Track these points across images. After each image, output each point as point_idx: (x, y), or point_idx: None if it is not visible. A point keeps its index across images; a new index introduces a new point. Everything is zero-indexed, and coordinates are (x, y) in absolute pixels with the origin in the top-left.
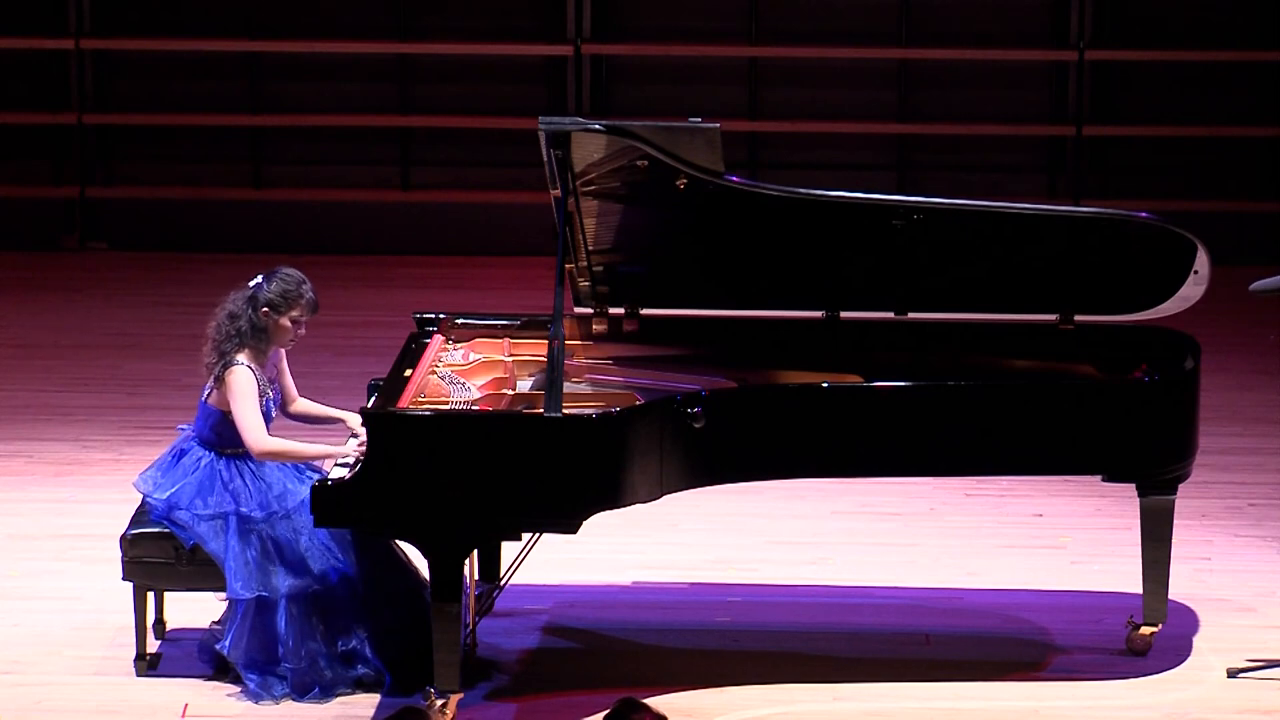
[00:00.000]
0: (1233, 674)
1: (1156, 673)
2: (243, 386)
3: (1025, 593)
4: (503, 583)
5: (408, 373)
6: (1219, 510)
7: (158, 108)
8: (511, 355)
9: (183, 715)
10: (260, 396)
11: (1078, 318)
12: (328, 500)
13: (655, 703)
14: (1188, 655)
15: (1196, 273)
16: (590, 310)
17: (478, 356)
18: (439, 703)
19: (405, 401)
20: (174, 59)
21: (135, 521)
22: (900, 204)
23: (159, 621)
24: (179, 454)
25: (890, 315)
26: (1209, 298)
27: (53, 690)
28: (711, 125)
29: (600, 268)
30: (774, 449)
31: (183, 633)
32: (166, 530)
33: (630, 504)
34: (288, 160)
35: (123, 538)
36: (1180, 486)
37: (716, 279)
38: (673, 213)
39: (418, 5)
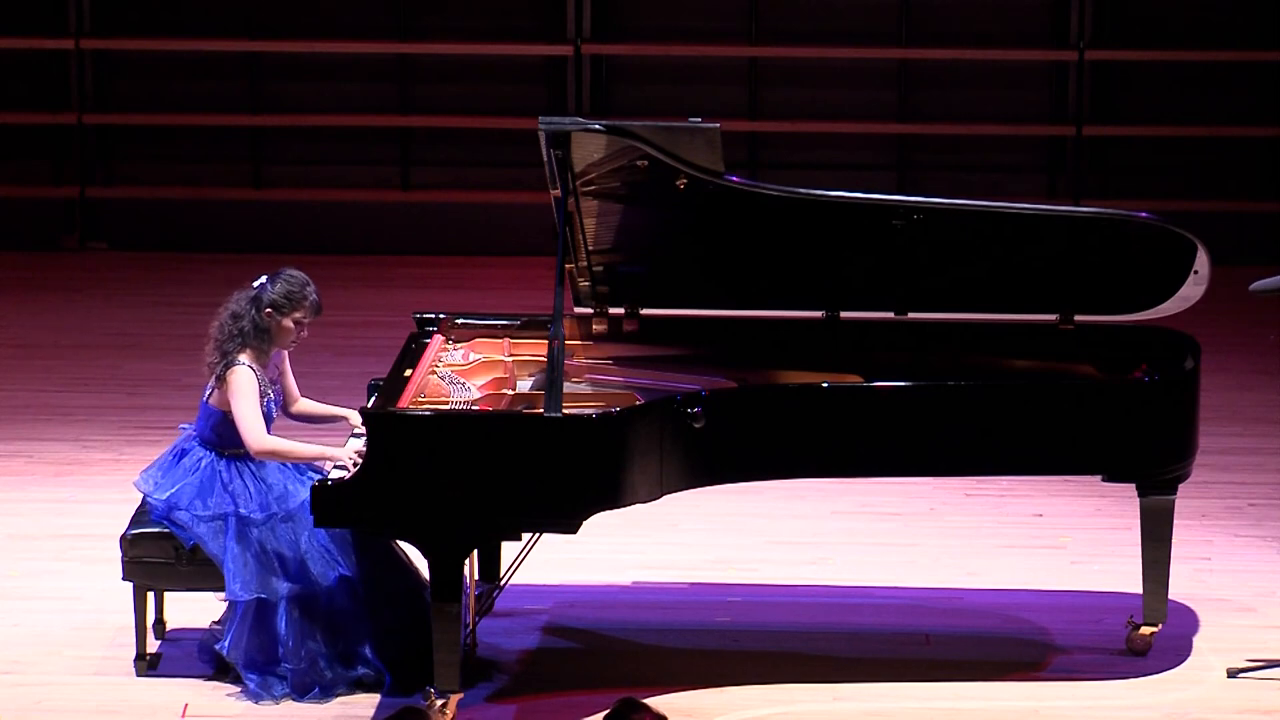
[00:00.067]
0: (1233, 674)
1: (1156, 673)
2: (243, 386)
3: (1025, 593)
4: (503, 583)
5: (408, 373)
6: (1219, 510)
7: (158, 108)
8: (511, 355)
9: (183, 715)
10: (261, 397)
11: (1078, 318)
12: (328, 500)
13: (655, 703)
14: (1188, 655)
15: (1196, 273)
16: (590, 310)
17: (478, 356)
18: (439, 703)
19: (405, 401)
20: (174, 59)
21: (135, 521)
22: (900, 204)
23: (159, 621)
24: (180, 454)
25: (890, 315)
26: (1209, 298)
27: (53, 690)
28: (711, 125)
29: (600, 268)
30: (774, 449)
31: (183, 633)
32: (166, 530)
33: (630, 504)
34: (288, 160)
35: (123, 538)
36: (1180, 486)
37: (716, 279)
38: (673, 213)
39: (418, 5)
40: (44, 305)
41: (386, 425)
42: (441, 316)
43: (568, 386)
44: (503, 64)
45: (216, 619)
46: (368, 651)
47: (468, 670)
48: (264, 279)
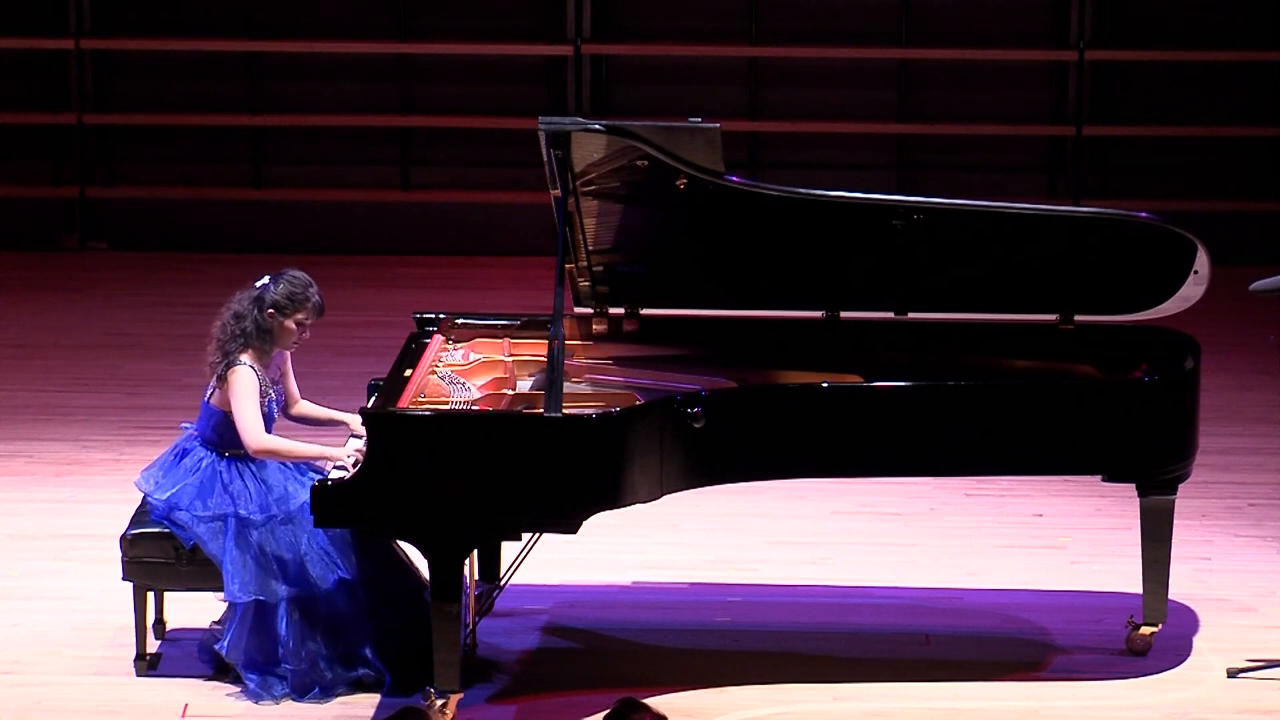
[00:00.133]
0: (1233, 674)
1: (1156, 673)
2: (244, 385)
3: (1025, 593)
4: (503, 583)
5: (408, 373)
6: (1219, 510)
7: (158, 108)
8: (511, 355)
9: (183, 715)
10: (262, 397)
11: (1078, 318)
12: (327, 500)
13: (655, 703)
14: (1188, 655)
15: (1196, 273)
16: (590, 310)
17: (478, 356)
18: (439, 703)
19: (405, 401)
20: (174, 59)
21: (135, 521)
22: (900, 204)
23: (159, 621)
24: (181, 454)
25: (890, 315)
26: (1209, 298)
27: (53, 690)
28: (711, 125)
29: (600, 268)
30: (774, 449)
31: (183, 633)
32: (166, 530)
33: (630, 504)
34: (288, 160)
35: (123, 538)
36: (1180, 486)
37: (716, 279)
38: (673, 213)
39: (418, 5)
40: (44, 305)
41: (386, 425)
42: (441, 316)
43: (568, 386)
44: (503, 64)
45: (216, 619)
46: (368, 652)
47: (468, 670)
48: (267, 279)
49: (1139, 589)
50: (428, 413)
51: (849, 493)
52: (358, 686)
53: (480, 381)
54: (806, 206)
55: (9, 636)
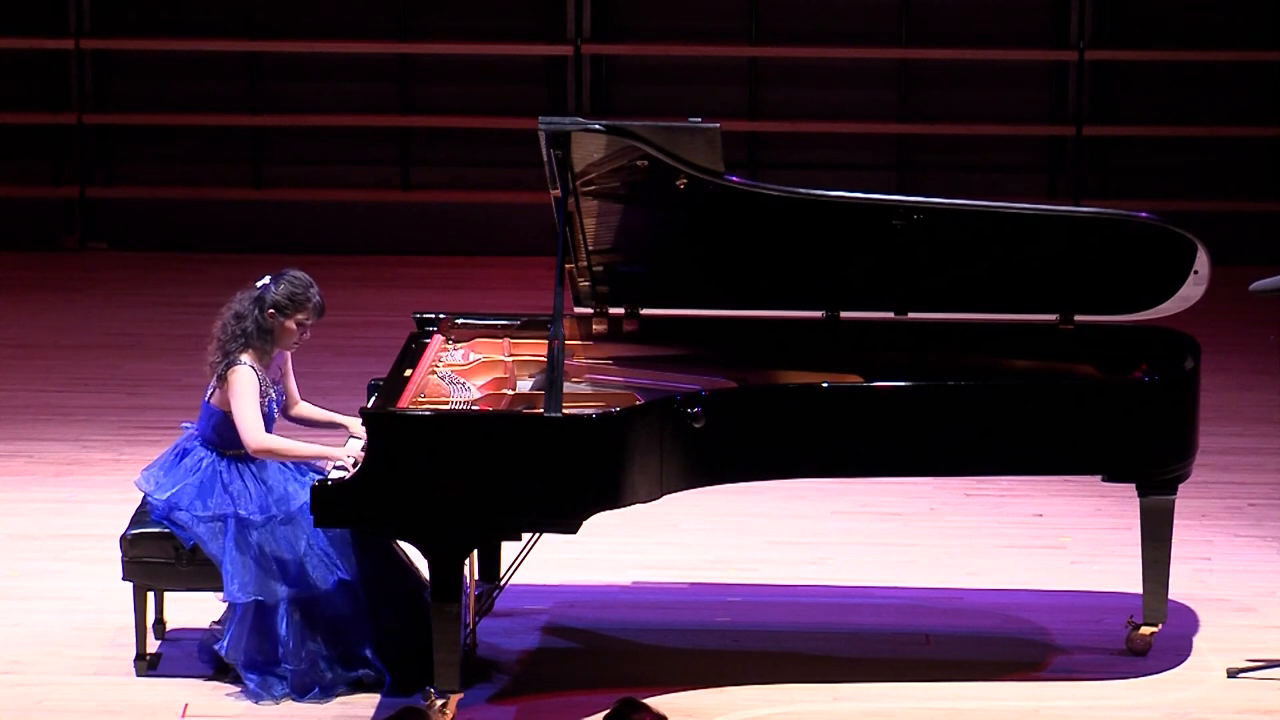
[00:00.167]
0: (1233, 674)
1: (1156, 673)
2: (244, 385)
3: (1025, 593)
4: (503, 583)
5: (408, 373)
6: (1219, 510)
7: (158, 108)
8: (511, 355)
9: (183, 715)
10: (262, 397)
11: (1078, 318)
12: (327, 500)
13: (655, 703)
14: (1188, 655)
15: (1196, 273)
16: (590, 310)
17: (478, 356)
18: (439, 703)
19: (405, 401)
20: (174, 59)
21: (135, 521)
22: (900, 204)
23: (159, 621)
24: (182, 453)
25: (890, 315)
26: (1209, 298)
27: (53, 690)
28: (711, 125)
29: (600, 268)
30: (774, 449)
31: (183, 633)
32: (166, 530)
33: (630, 504)
34: (288, 160)
35: (123, 538)
36: (1180, 486)
37: (716, 279)
38: (673, 213)
39: (418, 5)
40: (44, 305)
41: (386, 425)
42: (441, 316)
43: (568, 386)
44: (503, 64)
45: (216, 619)
46: (368, 652)
47: (468, 670)
48: (267, 279)
49: (1139, 589)
50: (428, 413)
51: (849, 493)
52: (358, 686)
53: (480, 381)
54: (806, 206)
55: (9, 636)
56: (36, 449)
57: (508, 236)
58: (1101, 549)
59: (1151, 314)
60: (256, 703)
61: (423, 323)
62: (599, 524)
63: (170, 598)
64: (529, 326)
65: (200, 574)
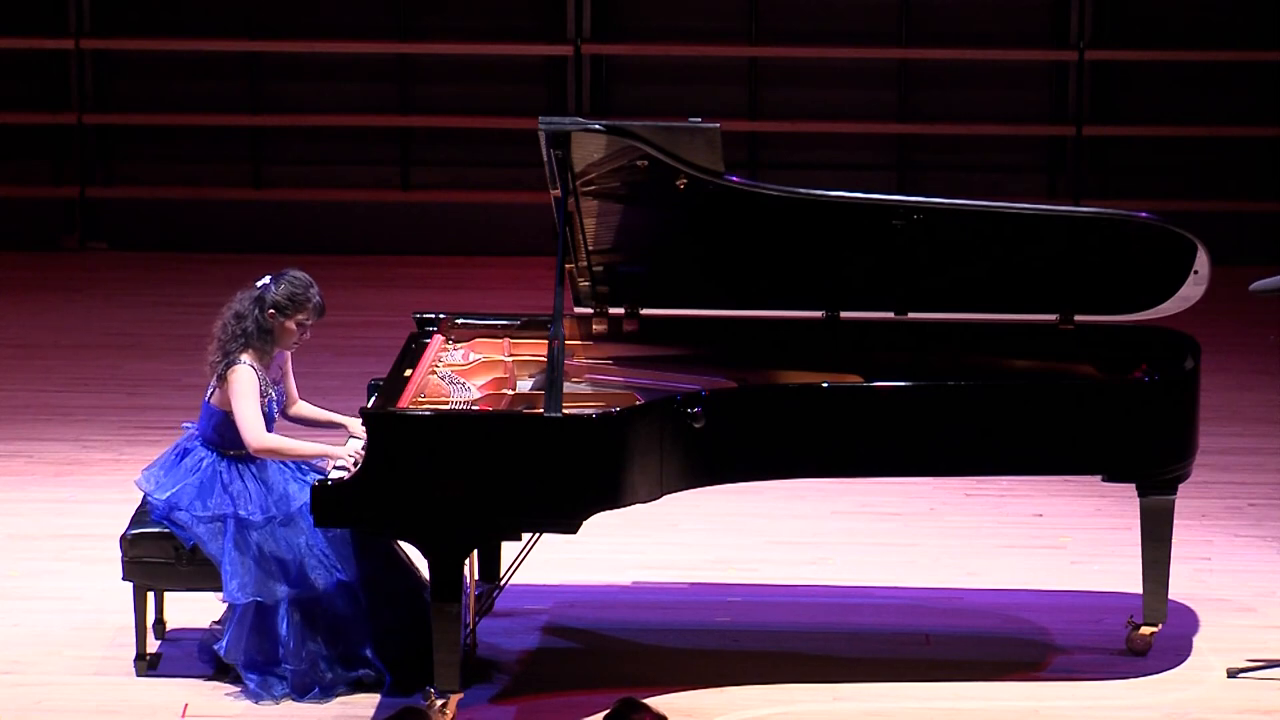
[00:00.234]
0: (1233, 674)
1: (1156, 673)
2: (244, 385)
3: (1025, 593)
4: (503, 583)
5: (408, 373)
6: (1219, 510)
7: (158, 108)
8: (511, 355)
9: (183, 715)
10: (263, 396)
11: (1078, 318)
12: (327, 500)
13: (655, 703)
14: (1188, 655)
15: (1196, 273)
16: (590, 310)
17: (478, 356)
18: (439, 703)
19: (405, 401)
20: (174, 59)
21: (135, 521)
22: (900, 204)
23: (159, 621)
24: (182, 453)
25: (890, 315)
26: (1209, 298)
27: (53, 690)
28: (711, 125)
29: (600, 268)
30: (774, 449)
31: (183, 633)
32: (166, 530)
33: (630, 504)
34: (288, 160)
35: (123, 538)
36: (1180, 486)
37: (716, 279)
38: (673, 213)
39: (418, 5)
40: (44, 305)
41: (386, 425)
42: (441, 316)
43: (568, 386)
44: (503, 64)
45: (216, 619)
46: (368, 652)
47: (468, 670)
48: (267, 279)
49: (1139, 589)
50: (428, 413)
51: (849, 493)
52: (358, 686)
53: (480, 381)
54: (806, 206)
55: (9, 636)
56: (36, 449)
57: (508, 236)
58: (1101, 549)
59: (1151, 314)
60: (256, 703)
61: (423, 323)
62: (599, 524)
63: (170, 598)
64: (529, 326)
65: (200, 574)
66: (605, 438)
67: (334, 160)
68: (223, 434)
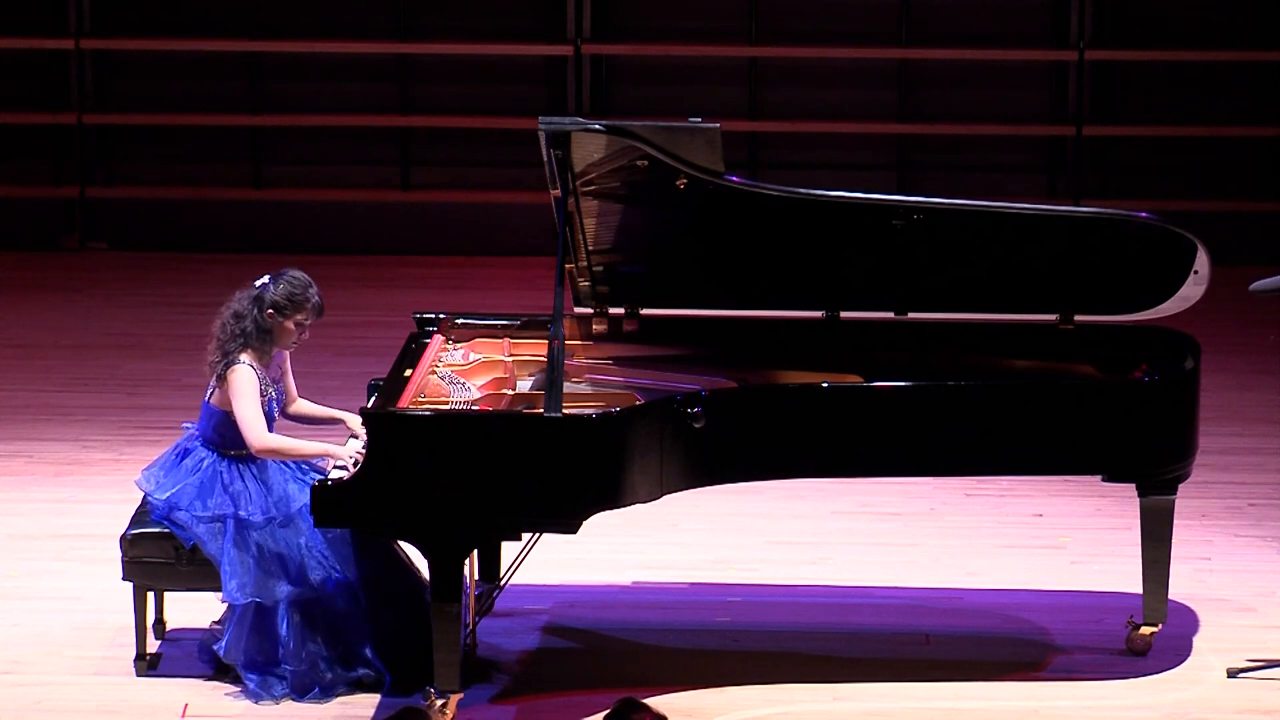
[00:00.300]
0: (1233, 674)
1: (1156, 673)
2: (244, 384)
3: (1025, 593)
4: (503, 583)
5: (408, 373)
6: (1219, 510)
7: (158, 108)
8: (511, 355)
9: (183, 715)
10: (262, 396)
11: (1078, 318)
12: (327, 500)
13: (655, 703)
14: (1188, 655)
15: (1196, 273)
16: (590, 310)
17: (478, 356)
18: (439, 703)
19: (405, 401)
20: (174, 59)
21: (135, 521)
22: (900, 204)
23: (159, 621)
24: (183, 454)
25: (890, 315)
26: (1209, 298)
27: (53, 690)
28: (711, 125)
29: (600, 268)
30: (774, 449)
31: (183, 633)
32: (166, 530)
33: (630, 504)
34: (288, 160)
35: (123, 538)
36: (1180, 486)
37: (716, 279)
38: (673, 213)
39: (418, 5)
40: (44, 305)
41: (386, 425)
42: (441, 316)
43: (568, 386)
44: (503, 64)
45: (216, 619)
46: (368, 652)
47: (468, 670)
48: (266, 279)
49: (1139, 589)
50: (428, 413)
51: (849, 493)
52: (358, 686)
53: (480, 381)
54: (806, 206)
55: (9, 636)
56: (36, 449)
57: (508, 236)
58: (1101, 549)
59: (1151, 314)
60: (256, 703)
61: (423, 323)
62: (599, 524)
63: (170, 598)
64: (529, 326)
65: (200, 574)
66: (605, 438)
67: (334, 160)
68: (223, 434)
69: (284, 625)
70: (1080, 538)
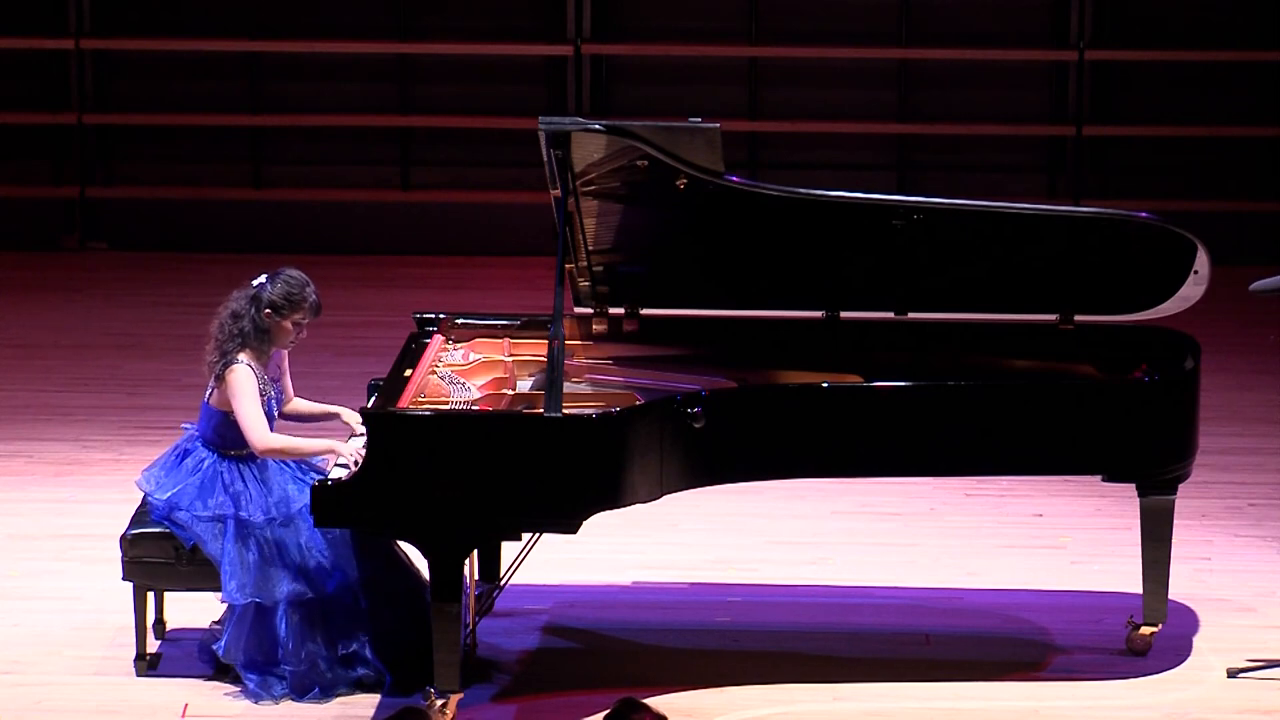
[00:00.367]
0: (1233, 674)
1: (1156, 673)
2: (243, 384)
3: (1025, 593)
4: (503, 583)
5: (408, 373)
6: (1219, 510)
7: (158, 108)
8: (511, 355)
9: (183, 715)
10: (261, 395)
11: (1078, 318)
12: (327, 500)
13: (655, 703)
14: (1188, 655)
15: (1196, 273)
16: (590, 310)
17: (478, 356)
18: (439, 703)
19: (405, 401)
20: (174, 59)
21: (135, 521)
22: (900, 204)
23: (159, 621)
24: (183, 454)
25: (890, 315)
26: (1209, 298)
27: (53, 690)
28: (711, 125)
29: (600, 268)
30: (774, 449)
31: (183, 633)
32: (166, 530)
33: (630, 504)
34: (288, 160)
35: (123, 538)
36: (1180, 486)
37: (716, 279)
38: (673, 213)
39: (418, 5)
40: (44, 305)
41: (386, 425)
42: (441, 316)
43: (568, 386)
44: (503, 64)
45: (216, 619)
46: (368, 652)
47: (468, 670)
48: (263, 278)
49: (1139, 589)
50: (428, 413)
51: (849, 493)
52: (358, 686)
53: (480, 381)
54: (806, 206)
55: (9, 636)
56: (36, 449)
57: (508, 236)
58: (1101, 549)
59: (1151, 314)
60: (256, 703)
61: (423, 323)
62: (599, 524)
63: (170, 598)
64: (529, 326)
65: (200, 574)
66: (605, 438)
67: (334, 160)
68: (222, 434)
69: (283, 625)
70: (1080, 538)
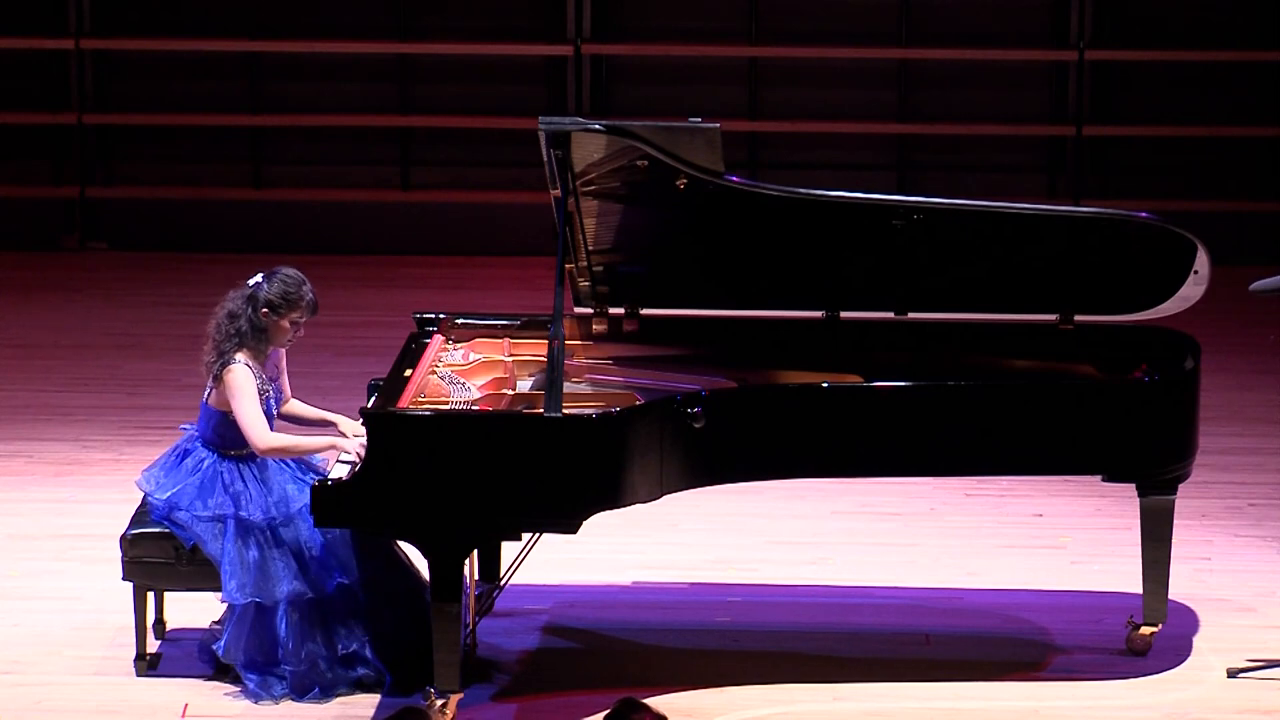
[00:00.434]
0: (1233, 674)
1: (1156, 673)
2: (241, 384)
3: (1025, 593)
4: (503, 583)
5: (408, 373)
6: (1219, 510)
7: (158, 108)
8: (511, 355)
9: (183, 715)
10: (260, 395)
11: (1078, 318)
12: (327, 500)
13: (655, 703)
14: (1188, 655)
15: (1196, 273)
16: (590, 310)
17: (478, 356)
18: (439, 703)
19: (405, 401)
20: (174, 59)
21: (135, 521)
22: (900, 204)
23: (159, 621)
24: (183, 454)
25: (890, 315)
26: (1209, 298)
27: (53, 690)
28: (711, 125)
29: (600, 268)
30: (774, 449)
31: (183, 633)
32: (166, 530)
33: (630, 504)
34: (288, 160)
35: (123, 538)
36: (1180, 486)
37: (716, 279)
38: (673, 213)
39: (418, 5)
40: (44, 305)
41: (386, 425)
42: (441, 316)
43: (568, 386)
44: (503, 64)
45: (216, 619)
46: (368, 652)
47: (468, 670)
48: (259, 277)
49: (1139, 589)
50: (428, 413)
51: (849, 493)
52: (358, 686)
53: (480, 381)
54: (806, 206)
55: (9, 636)
56: (36, 449)
57: (508, 236)
58: (1101, 549)
59: (1151, 314)
60: (256, 703)
61: (423, 323)
62: (599, 524)
63: (170, 598)
64: (529, 326)
65: (200, 574)
66: (605, 438)
67: (334, 160)
68: (222, 434)
69: (283, 625)
70: (1080, 538)
